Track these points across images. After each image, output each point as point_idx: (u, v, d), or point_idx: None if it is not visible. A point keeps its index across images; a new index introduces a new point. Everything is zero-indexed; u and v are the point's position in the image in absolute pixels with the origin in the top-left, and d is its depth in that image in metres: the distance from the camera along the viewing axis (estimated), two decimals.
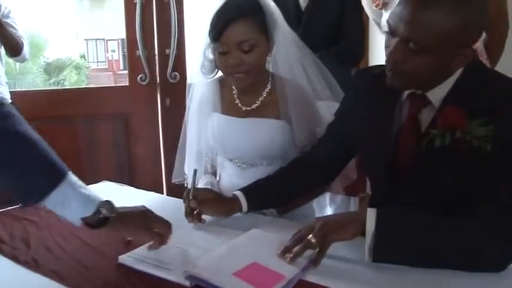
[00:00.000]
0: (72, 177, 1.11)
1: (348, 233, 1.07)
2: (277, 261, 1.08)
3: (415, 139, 1.16)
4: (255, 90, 1.52)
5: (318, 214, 1.69)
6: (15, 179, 1.07)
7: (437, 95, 1.14)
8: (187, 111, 1.67)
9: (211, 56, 1.51)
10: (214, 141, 1.59)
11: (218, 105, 1.58)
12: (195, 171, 1.34)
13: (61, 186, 1.08)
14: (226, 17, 1.40)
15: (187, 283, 1.00)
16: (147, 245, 1.17)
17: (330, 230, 1.07)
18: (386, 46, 1.12)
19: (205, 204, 1.29)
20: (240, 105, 1.55)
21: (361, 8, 2.32)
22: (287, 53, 1.54)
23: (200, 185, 1.58)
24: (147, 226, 1.14)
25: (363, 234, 1.06)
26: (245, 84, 1.48)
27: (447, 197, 1.14)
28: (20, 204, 1.11)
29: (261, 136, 1.51)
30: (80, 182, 1.12)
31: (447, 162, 1.11)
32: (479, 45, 1.90)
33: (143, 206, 1.19)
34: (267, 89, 1.53)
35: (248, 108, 1.54)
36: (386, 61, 1.14)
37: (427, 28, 1.03)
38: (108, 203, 1.13)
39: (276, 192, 1.41)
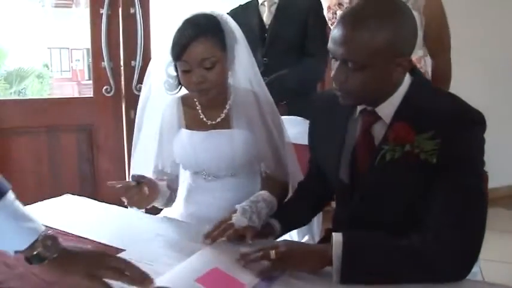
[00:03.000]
0: (11, 199, 0.98)
1: (309, 267, 1.12)
2: (238, 269, 1.11)
3: (369, 154, 1.22)
4: (218, 104, 1.56)
5: None
6: None
7: (386, 110, 1.20)
8: (141, 128, 1.68)
9: (174, 73, 1.53)
10: (180, 156, 1.60)
11: (183, 121, 1.61)
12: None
13: None
14: (187, 36, 1.43)
15: None
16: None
17: (293, 260, 1.12)
18: (332, 69, 1.19)
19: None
20: (205, 119, 1.58)
21: (324, 26, 2.37)
22: (247, 67, 1.58)
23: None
24: (92, 273, 0.98)
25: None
26: (209, 99, 1.51)
27: (401, 208, 1.20)
28: None
29: (225, 147, 1.54)
30: (19, 206, 0.98)
31: (398, 175, 1.16)
32: (422, 67, 1.98)
33: (100, 250, 1.07)
34: (230, 102, 1.56)
35: (213, 122, 1.58)
36: (334, 83, 1.20)
37: (360, 47, 1.11)
38: (50, 239, 0.98)
39: (297, 215, 1.49)
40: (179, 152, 1.60)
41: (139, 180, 1.37)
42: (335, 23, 1.17)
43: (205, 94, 1.48)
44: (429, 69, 2.10)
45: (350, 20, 1.14)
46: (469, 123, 1.12)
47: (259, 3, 2.42)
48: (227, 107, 1.56)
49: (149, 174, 1.58)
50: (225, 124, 1.56)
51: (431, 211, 1.11)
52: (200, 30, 1.43)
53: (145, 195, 1.36)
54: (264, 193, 1.43)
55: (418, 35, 1.86)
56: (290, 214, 1.46)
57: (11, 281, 1.09)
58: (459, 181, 1.10)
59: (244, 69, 1.57)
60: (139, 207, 1.45)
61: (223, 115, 1.57)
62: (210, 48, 1.44)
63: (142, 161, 1.68)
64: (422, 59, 2.00)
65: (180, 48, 1.43)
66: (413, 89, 1.20)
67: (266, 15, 2.39)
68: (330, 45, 1.17)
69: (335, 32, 1.15)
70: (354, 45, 1.11)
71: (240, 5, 2.50)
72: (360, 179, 1.25)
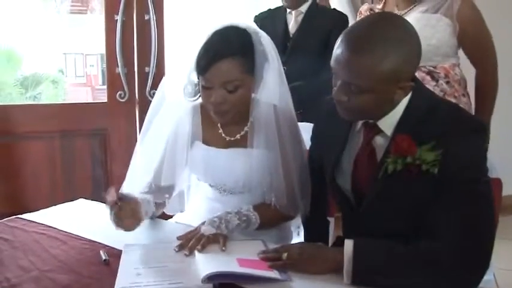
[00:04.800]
0: None
1: (320, 270, 1.16)
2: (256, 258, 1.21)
3: (371, 165, 1.22)
4: (238, 120, 1.48)
5: (294, 233, 1.70)
6: None
7: (387, 124, 1.21)
8: (147, 133, 1.56)
9: (195, 80, 1.44)
10: (195, 170, 1.58)
11: (200, 134, 1.53)
12: None
13: None
14: (214, 53, 1.33)
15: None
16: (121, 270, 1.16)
17: (304, 263, 1.17)
18: (334, 85, 1.19)
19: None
20: (223, 135, 1.52)
21: None
22: (274, 87, 1.47)
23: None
24: None
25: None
26: (226, 120, 1.45)
27: (405, 218, 1.19)
28: None
29: (243, 166, 1.48)
30: None
31: (401, 186, 1.16)
32: (457, 75, 1.92)
33: None
34: (251, 119, 1.47)
35: (232, 139, 1.51)
36: (335, 101, 1.20)
37: (364, 72, 1.10)
38: None
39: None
40: (194, 166, 1.55)
41: (123, 199, 1.29)
42: (339, 41, 1.15)
43: (221, 116, 1.41)
44: (461, 77, 1.99)
45: (355, 44, 1.12)
46: (469, 132, 1.13)
47: (287, 12, 2.44)
48: (248, 124, 1.48)
49: (143, 185, 1.51)
50: (244, 142, 1.49)
51: (439, 219, 1.12)
52: (228, 49, 1.33)
53: (126, 216, 1.26)
54: (246, 208, 1.43)
55: (449, 44, 1.87)
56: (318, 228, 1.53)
57: (26, 284, 1.10)
58: (464, 189, 1.10)
59: (271, 89, 1.46)
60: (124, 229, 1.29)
61: (243, 132, 1.49)
62: (236, 71, 1.34)
63: (140, 171, 1.58)
64: (455, 66, 1.95)
65: (204, 64, 1.34)
66: (413, 100, 1.20)
67: (292, 24, 2.42)
68: (333, 63, 1.16)
69: (339, 52, 1.14)
70: (358, 71, 1.10)
71: (269, 9, 2.51)
72: (363, 190, 1.25)
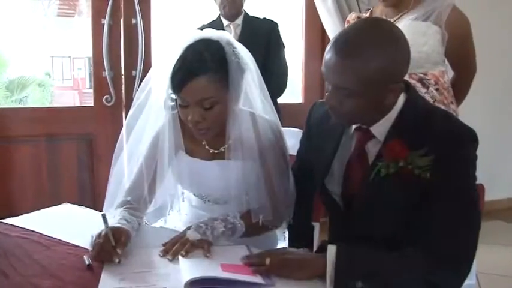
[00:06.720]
0: None
1: (303, 275, 1.15)
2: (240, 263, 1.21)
3: (363, 169, 1.23)
4: (221, 133, 1.43)
5: (280, 238, 1.70)
6: None
7: (380, 129, 1.22)
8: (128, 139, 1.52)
9: (174, 96, 1.39)
10: (180, 179, 1.56)
11: (181, 143, 1.49)
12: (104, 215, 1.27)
13: None
14: (187, 71, 1.30)
15: None
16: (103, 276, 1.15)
17: (287, 268, 1.17)
18: (326, 91, 1.21)
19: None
20: (207, 147, 1.50)
21: (282, 47, 2.60)
22: (253, 97, 1.46)
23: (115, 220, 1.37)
24: None
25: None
26: (208, 137, 1.44)
27: (393, 223, 1.20)
28: None
29: (229, 178, 1.47)
30: None
31: (392, 190, 1.17)
32: (446, 82, 1.96)
33: None
34: (233, 131, 1.43)
35: (216, 151, 1.49)
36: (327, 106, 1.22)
37: (352, 76, 1.11)
38: None
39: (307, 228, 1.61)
40: (179, 176, 1.54)
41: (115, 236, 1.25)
42: (328, 46, 1.16)
43: (203, 134, 1.40)
44: (449, 85, 2.00)
45: (343, 48, 1.13)
46: (461, 141, 1.14)
47: (224, 25, 2.55)
48: (232, 136, 1.43)
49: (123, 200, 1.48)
50: (228, 154, 1.46)
51: (425, 225, 1.13)
52: (201, 67, 1.30)
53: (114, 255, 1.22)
54: (233, 215, 1.43)
55: (439, 52, 1.89)
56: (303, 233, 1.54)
57: None
58: (453, 196, 1.12)
59: (251, 99, 1.45)
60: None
61: (227, 145, 1.45)
62: (211, 88, 1.31)
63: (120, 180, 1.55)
64: (444, 74, 1.96)
65: (177, 83, 1.32)
66: (407, 107, 1.21)
67: (232, 37, 2.46)
68: (323, 68, 1.18)
69: (328, 57, 1.15)
70: (347, 75, 1.12)
71: (204, 25, 2.57)
72: (353, 195, 1.26)
